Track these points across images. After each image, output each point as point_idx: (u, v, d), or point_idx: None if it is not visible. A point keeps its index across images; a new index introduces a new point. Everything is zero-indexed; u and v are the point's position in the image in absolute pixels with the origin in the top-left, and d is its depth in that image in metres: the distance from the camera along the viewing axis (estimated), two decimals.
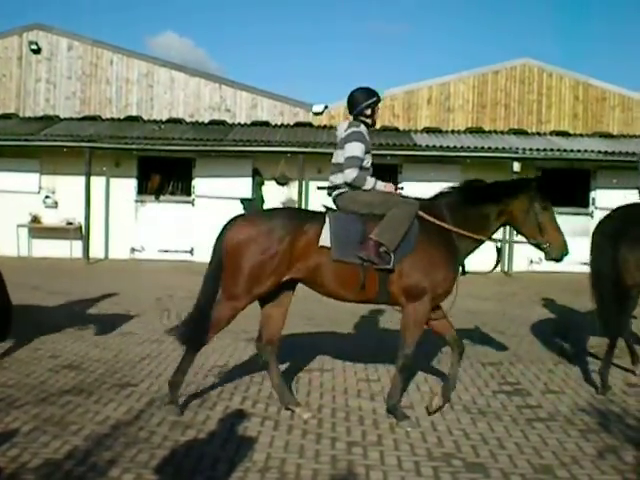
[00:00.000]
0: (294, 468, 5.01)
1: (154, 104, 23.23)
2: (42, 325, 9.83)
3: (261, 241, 6.05)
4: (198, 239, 19.39)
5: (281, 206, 19.06)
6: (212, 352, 8.51)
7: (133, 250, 19.77)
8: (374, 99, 6.71)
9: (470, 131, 21.87)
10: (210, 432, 5.73)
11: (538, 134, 21.86)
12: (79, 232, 19.12)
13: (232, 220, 6.33)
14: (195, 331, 6.20)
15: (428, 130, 21.82)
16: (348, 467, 5.06)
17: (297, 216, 6.39)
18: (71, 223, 19.23)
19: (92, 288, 13.71)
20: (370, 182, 6.43)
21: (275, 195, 19.28)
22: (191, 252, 19.63)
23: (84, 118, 22.13)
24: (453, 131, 22.03)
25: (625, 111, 23.28)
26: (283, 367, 7.86)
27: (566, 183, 19.17)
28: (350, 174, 6.33)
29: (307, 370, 7.82)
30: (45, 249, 19.19)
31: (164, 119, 22.20)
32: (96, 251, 19.07)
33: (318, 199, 20.50)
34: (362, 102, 6.65)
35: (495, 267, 6.71)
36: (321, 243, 6.09)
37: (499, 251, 6.68)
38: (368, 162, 6.57)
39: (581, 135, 21.86)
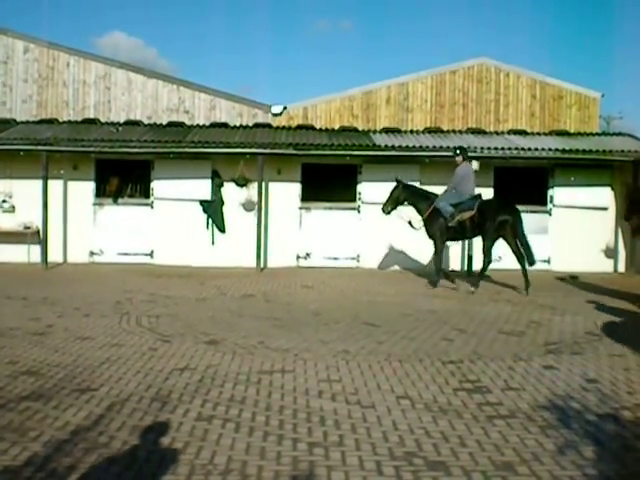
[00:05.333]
0: (255, 470, 5.00)
1: (111, 106, 23.06)
2: None
3: None
4: (157, 242, 19.31)
5: (241, 208, 19.05)
6: (172, 355, 8.47)
7: (92, 254, 19.55)
8: None
9: (429, 131, 21.90)
10: (171, 436, 5.69)
11: (496, 133, 21.96)
12: (37, 236, 18.86)
13: None
14: None
15: (387, 130, 21.82)
16: (310, 468, 5.05)
17: None
18: (29, 227, 18.97)
19: (51, 292, 13.57)
20: None
21: (235, 197, 19.21)
22: (151, 255, 19.47)
23: (41, 121, 21.83)
24: (412, 131, 22.03)
25: (582, 109, 23.59)
26: (244, 369, 7.85)
27: (524, 181, 19.35)
28: None
29: (268, 372, 7.79)
30: (2, 254, 18.85)
31: (122, 121, 21.98)
32: (54, 255, 18.83)
33: (277, 200, 20.42)
34: None
35: None
36: None
37: None
38: None
39: (538, 134, 21.99)
